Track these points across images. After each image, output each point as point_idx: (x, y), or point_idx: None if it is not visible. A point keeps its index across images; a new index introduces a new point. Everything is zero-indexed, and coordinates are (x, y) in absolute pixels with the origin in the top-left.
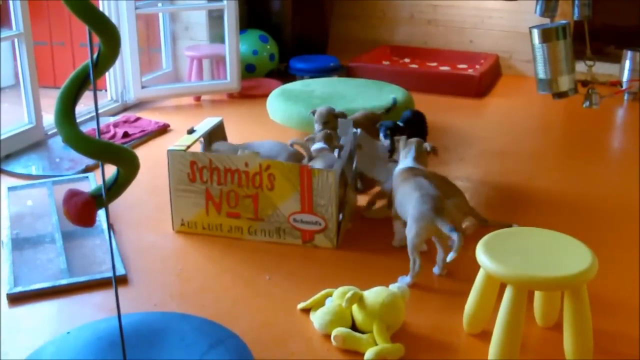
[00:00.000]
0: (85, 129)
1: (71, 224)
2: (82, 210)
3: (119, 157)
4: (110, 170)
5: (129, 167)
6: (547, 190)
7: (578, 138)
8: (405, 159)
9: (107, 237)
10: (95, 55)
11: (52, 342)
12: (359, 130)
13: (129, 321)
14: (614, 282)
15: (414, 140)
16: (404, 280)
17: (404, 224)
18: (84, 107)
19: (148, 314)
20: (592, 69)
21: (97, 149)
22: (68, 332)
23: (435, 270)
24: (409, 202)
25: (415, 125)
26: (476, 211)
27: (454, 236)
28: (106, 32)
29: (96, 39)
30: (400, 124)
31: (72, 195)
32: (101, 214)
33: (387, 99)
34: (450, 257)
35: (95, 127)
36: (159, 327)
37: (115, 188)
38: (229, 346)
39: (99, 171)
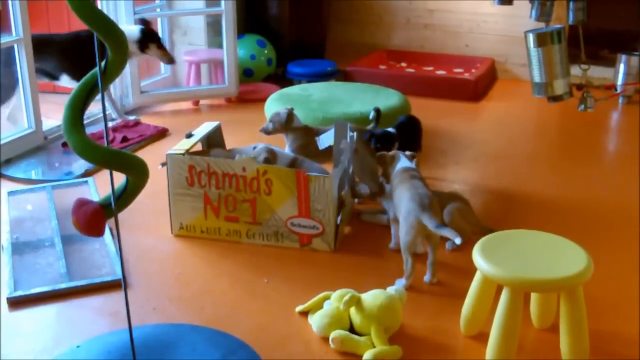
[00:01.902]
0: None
1: (70, 229)
2: (91, 219)
3: (128, 165)
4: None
5: (138, 176)
6: (542, 193)
7: (573, 141)
8: (400, 161)
9: (109, 242)
10: (103, 63)
11: (62, 355)
12: (354, 134)
13: (139, 334)
14: (609, 283)
15: (395, 152)
16: (401, 283)
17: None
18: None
19: (158, 326)
20: (587, 73)
21: (107, 157)
22: (78, 346)
23: (426, 278)
24: (401, 202)
25: (409, 131)
26: (481, 222)
27: (442, 232)
28: (114, 39)
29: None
30: (392, 131)
31: (81, 204)
32: None
33: (383, 103)
34: (458, 241)
35: (96, 131)
36: (169, 339)
37: (124, 197)
38: (241, 357)
39: (97, 176)
